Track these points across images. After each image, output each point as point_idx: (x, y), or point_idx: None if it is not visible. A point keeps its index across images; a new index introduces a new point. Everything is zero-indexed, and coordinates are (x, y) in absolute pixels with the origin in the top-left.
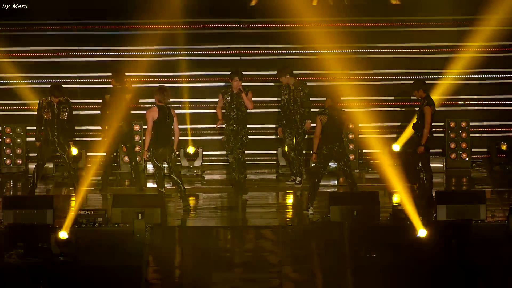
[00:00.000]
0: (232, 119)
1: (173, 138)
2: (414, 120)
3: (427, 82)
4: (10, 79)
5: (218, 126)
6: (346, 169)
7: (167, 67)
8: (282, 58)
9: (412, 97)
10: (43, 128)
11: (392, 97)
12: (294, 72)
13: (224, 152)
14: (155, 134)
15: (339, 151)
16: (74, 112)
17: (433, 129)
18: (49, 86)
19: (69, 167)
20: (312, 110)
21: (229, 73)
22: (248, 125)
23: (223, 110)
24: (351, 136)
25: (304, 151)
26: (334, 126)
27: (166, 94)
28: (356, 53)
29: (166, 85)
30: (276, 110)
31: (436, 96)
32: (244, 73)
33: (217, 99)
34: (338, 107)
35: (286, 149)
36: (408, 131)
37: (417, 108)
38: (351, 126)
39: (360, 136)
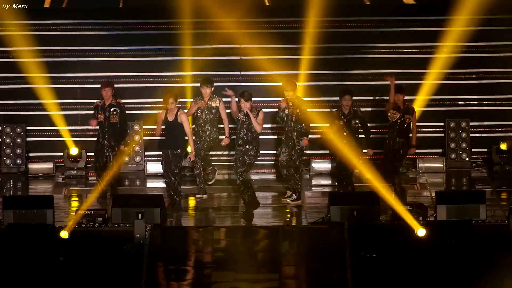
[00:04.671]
0: (241, 138)
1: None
2: (396, 126)
3: (427, 82)
4: (10, 79)
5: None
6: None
7: (168, 67)
8: (282, 58)
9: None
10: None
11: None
12: (292, 72)
13: (225, 152)
14: (163, 136)
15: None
16: (74, 112)
17: (433, 129)
18: (48, 85)
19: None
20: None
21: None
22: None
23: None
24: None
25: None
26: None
27: (168, 97)
28: (356, 52)
29: (166, 85)
30: (275, 110)
31: (436, 96)
32: (244, 73)
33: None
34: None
35: (279, 165)
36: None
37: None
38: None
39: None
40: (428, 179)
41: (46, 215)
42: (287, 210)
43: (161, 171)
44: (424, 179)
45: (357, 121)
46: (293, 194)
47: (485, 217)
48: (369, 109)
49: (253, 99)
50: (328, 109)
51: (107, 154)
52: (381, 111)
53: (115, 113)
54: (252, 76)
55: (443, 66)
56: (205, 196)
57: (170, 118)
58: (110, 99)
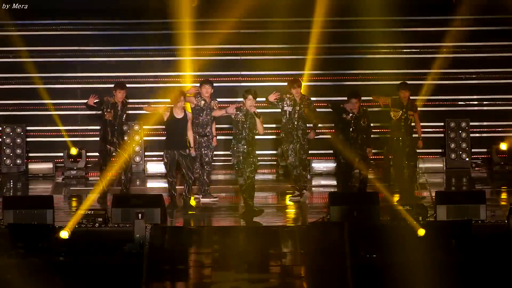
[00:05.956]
0: (243, 139)
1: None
2: (402, 123)
3: (427, 82)
4: (10, 79)
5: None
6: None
7: (168, 67)
8: (282, 58)
9: (395, 97)
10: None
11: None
12: (292, 72)
13: (225, 152)
14: (166, 134)
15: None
16: (74, 112)
17: (433, 129)
18: (48, 85)
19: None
20: None
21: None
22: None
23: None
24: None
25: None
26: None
27: (178, 95)
28: (356, 53)
29: (167, 85)
30: (275, 110)
31: (436, 96)
32: (243, 73)
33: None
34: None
35: (288, 165)
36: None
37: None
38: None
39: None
40: (428, 179)
41: (46, 215)
42: (288, 210)
43: (161, 171)
44: (424, 179)
45: (366, 119)
46: (303, 191)
47: (485, 217)
48: (369, 109)
49: None
50: (328, 109)
51: (113, 155)
52: (381, 111)
53: (126, 112)
54: (252, 76)
55: (443, 66)
56: (215, 199)
57: (178, 115)
58: (121, 100)
